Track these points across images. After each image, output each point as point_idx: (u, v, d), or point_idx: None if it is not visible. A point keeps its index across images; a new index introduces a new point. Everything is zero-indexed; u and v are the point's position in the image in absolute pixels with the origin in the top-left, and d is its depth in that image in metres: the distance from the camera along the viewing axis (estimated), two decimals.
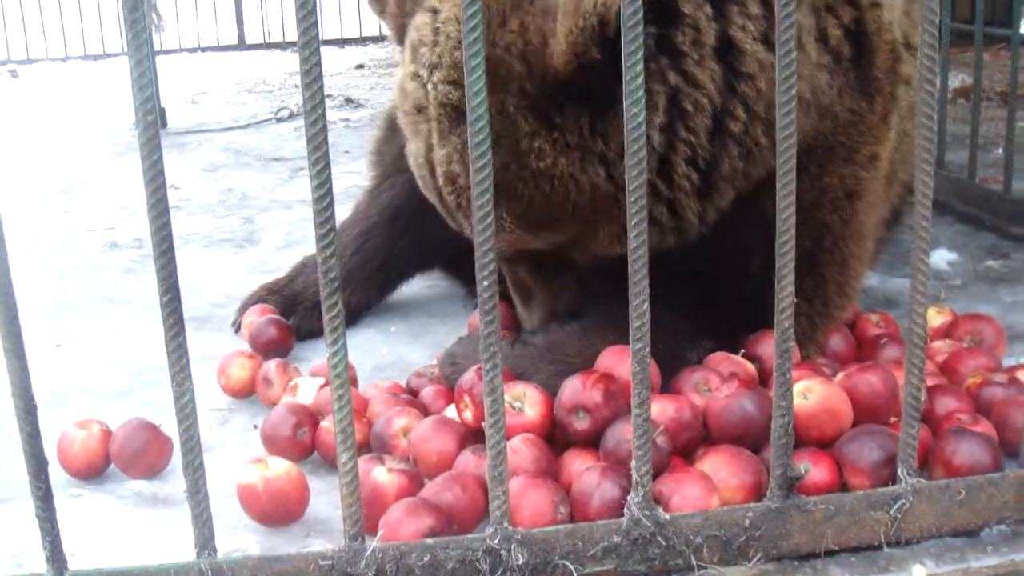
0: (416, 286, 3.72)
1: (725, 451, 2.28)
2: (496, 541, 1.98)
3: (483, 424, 1.94)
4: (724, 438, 2.35)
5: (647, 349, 1.93)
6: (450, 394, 2.62)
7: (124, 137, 6.85)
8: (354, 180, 4.87)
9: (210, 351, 3.16)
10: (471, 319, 3.20)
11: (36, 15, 10.75)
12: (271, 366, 2.92)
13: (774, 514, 2.07)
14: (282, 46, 11.27)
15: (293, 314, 3.42)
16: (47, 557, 1.89)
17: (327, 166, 1.78)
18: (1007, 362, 2.91)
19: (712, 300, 2.71)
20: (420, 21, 2.60)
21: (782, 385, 2.01)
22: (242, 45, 11.41)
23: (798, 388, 2.34)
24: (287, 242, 4.56)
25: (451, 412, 2.55)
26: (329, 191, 1.79)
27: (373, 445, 2.52)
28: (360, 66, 9.97)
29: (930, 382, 2.60)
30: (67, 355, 3.39)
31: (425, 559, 1.98)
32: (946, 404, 2.53)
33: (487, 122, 1.82)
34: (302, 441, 2.58)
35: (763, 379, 2.61)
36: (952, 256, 3.98)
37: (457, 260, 3.34)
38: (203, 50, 11.17)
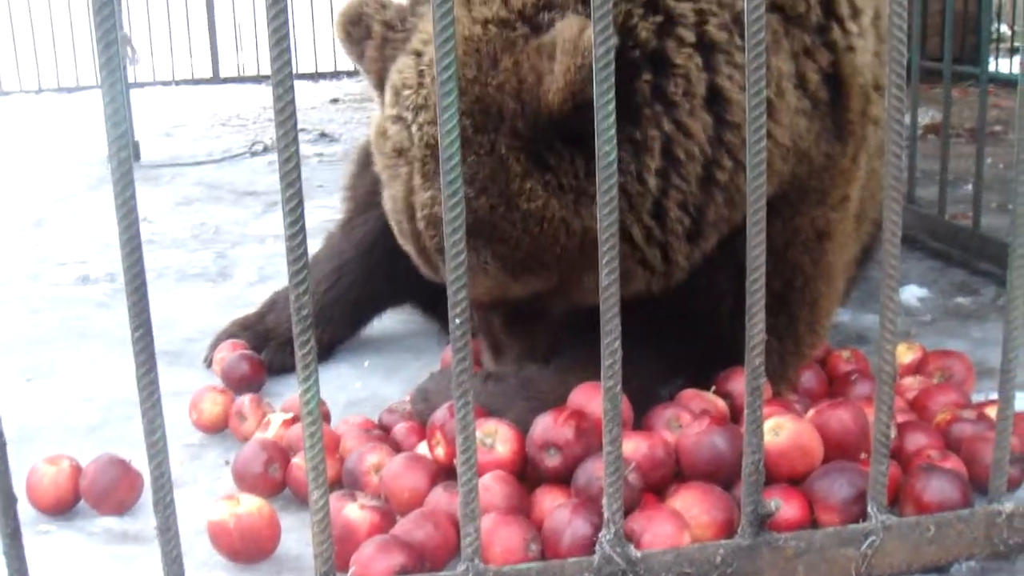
0: (389, 321, 3.71)
1: (696, 488, 2.28)
2: None
3: (455, 461, 1.94)
4: (695, 475, 2.35)
5: (619, 387, 1.94)
6: (422, 430, 2.62)
7: (97, 170, 6.83)
8: (328, 215, 4.87)
9: (182, 386, 3.14)
10: (444, 355, 3.19)
11: (9, 47, 10.73)
12: (245, 400, 2.91)
13: (745, 551, 2.07)
14: (257, 79, 11.31)
15: (265, 348, 3.41)
16: None
17: (300, 203, 1.78)
18: (976, 398, 2.92)
19: (684, 338, 2.72)
20: (403, 64, 2.61)
21: (753, 422, 2.02)
22: (216, 78, 11.45)
23: (769, 425, 2.35)
24: (260, 276, 4.55)
25: (423, 449, 2.55)
26: (302, 228, 1.79)
27: (345, 481, 2.52)
28: (335, 100, 10.00)
29: (900, 418, 2.62)
30: (38, 390, 3.37)
31: None
32: (916, 440, 2.54)
33: (457, 162, 1.83)
34: (273, 477, 2.57)
35: (734, 416, 2.62)
36: (922, 292, 4.02)
37: (431, 296, 3.33)
38: (177, 83, 11.20)
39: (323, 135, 8.11)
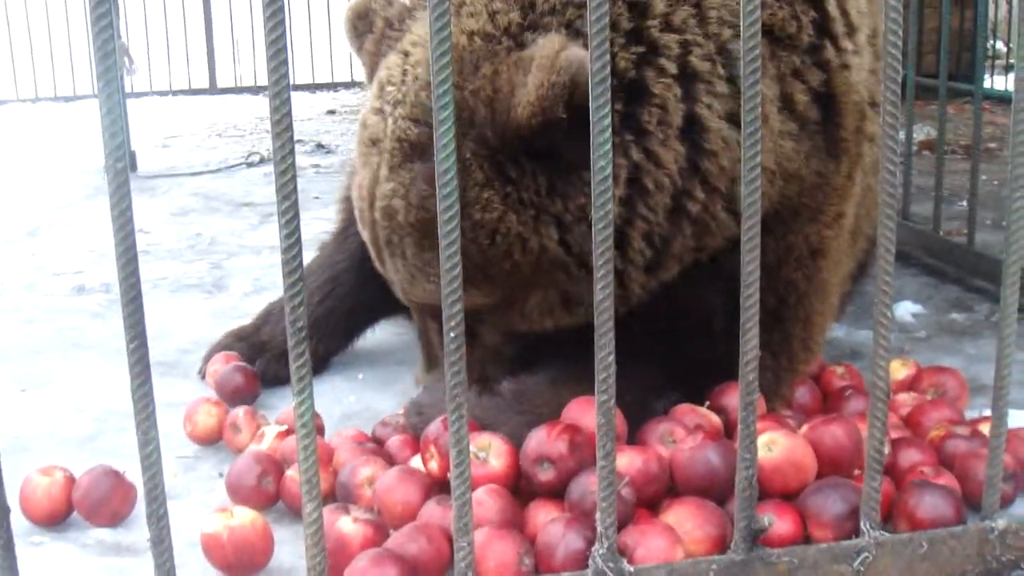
0: (384, 333, 3.71)
1: (690, 503, 2.29)
2: None
3: (448, 474, 1.94)
4: (689, 490, 2.35)
5: (612, 401, 1.94)
6: (416, 444, 2.62)
7: (94, 179, 6.82)
8: (324, 226, 4.84)
9: (177, 398, 3.14)
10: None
11: (7, 56, 10.74)
12: (239, 413, 2.91)
13: (738, 566, 2.08)
14: (254, 90, 11.30)
15: (259, 360, 3.40)
16: None
17: (296, 215, 1.78)
18: (970, 414, 2.93)
19: (678, 352, 2.72)
20: (391, 61, 2.65)
21: (746, 437, 2.02)
22: (214, 89, 11.43)
23: (763, 440, 2.36)
24: (255, 288, 4.55)
25: (417, 462, 2.55)
26: (298, 240, 1.79)
27: (338, 494, 2.52)
28: (331, 112, 9.99)
29: (894, 435, 2.62)
30: (32, 400, 3.36)
31: None
32: (910, 457, 2.55)
33: (455, 174, 1.83)
34: (267, 490, 2.57)
35: (728, 431, 2.62)
36: (917, 308, 4.02)
37: None
38: (174, 93, 11.19)
39: (320, 146, 8.11)
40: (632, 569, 2.04)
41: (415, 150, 2.50)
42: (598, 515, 2.01)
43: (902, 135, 4.14)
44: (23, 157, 7.86)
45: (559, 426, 2.40)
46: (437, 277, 2.51)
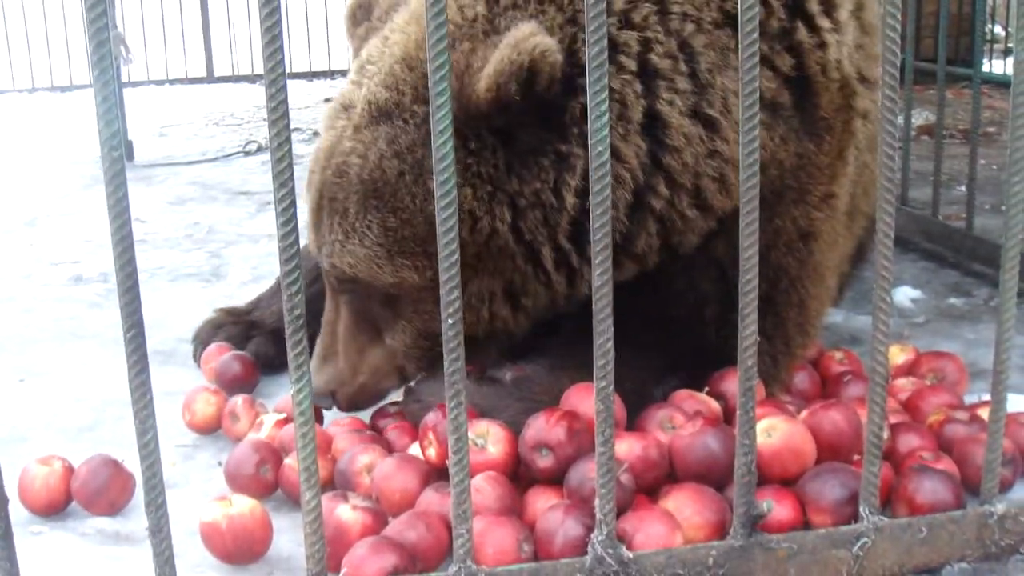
0: None
1: (689, 489, 2.29)
2: None
3: (447, 462, 1.94)
4: (688, 476, 2.35)
5: (611, 387, 1.94)
6: (414, 431, 2.61)
7: (91, 169, 6.81)
8: None
9: (175, 386, 3.14)
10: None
11: (3, 46, 10.71)
12: (238, 401, 2.91)
13: (737, 552, 2.08)
14: (251, 79, 11.27)
15: (251, 341, 3.40)
16: None
17: (293, 203, 1.78)
18: (969, 399, 2.93)
19: (677, 339, 2.71)
20: (372, 44, 2.75)
21: (745, 423, 2.02)
22: (211, 77, 11.41)
23: (762, 426, 2.36)
24: (253, 276, 4.54)
25: (415, 449, 2.54)
26: (295, 228, 1.79)
27: (337, 482, 2.51)
28: (329, 100, 9.95)
29: (893, 420, 2.62)
30: (30, 390, 3.36)
31: None
32: (909, 442, 2.55)
33: (451, 171, 1.83)
34: (265, 478, 2.57)
35: (727, 417, 2.62)
36: (915, 293, 4.02)
37: None
38: (171, 82, 11.16)
39: (317, 134, 8.06)
40: (631, 555, 2.04)
41: (382, 113, 2.56)
42: (597, 501, 2.01)
43: (901, 120, 4.13)
44: (20, 147, 7.84)
45: (558, 413, 2.39)
46: (370, 243, 2.53)
